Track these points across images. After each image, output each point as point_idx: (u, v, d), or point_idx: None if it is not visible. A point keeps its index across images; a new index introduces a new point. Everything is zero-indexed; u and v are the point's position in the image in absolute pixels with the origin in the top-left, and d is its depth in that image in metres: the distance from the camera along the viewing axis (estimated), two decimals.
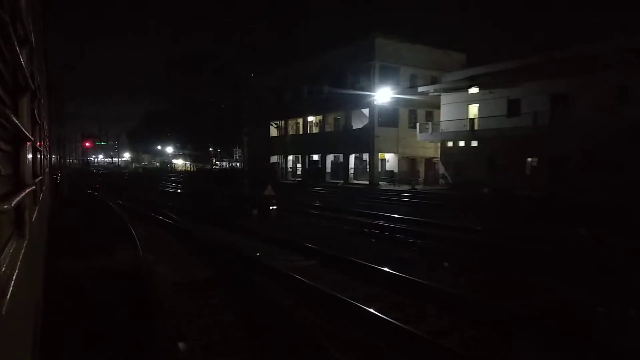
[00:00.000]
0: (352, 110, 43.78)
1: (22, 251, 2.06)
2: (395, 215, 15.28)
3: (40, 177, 4.95)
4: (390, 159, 43.25)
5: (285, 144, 51.24)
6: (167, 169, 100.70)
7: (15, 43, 1.84)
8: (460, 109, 37.66)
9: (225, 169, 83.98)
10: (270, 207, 15.92)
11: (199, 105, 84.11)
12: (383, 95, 37.53)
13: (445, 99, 39.07)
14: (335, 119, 49.05)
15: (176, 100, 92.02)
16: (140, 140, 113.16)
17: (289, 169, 53.65)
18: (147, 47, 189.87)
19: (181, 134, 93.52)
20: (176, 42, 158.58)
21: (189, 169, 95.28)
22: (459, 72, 38.18)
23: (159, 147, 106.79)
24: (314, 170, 48.04)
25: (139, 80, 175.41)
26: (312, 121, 51.55)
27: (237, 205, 19.25)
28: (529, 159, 32.67)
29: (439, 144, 40.98)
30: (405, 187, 34.65)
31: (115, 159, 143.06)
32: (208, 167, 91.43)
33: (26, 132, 2.42)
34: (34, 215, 3.28)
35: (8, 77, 2.11)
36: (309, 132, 50.94)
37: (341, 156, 45.91)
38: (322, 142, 47.22)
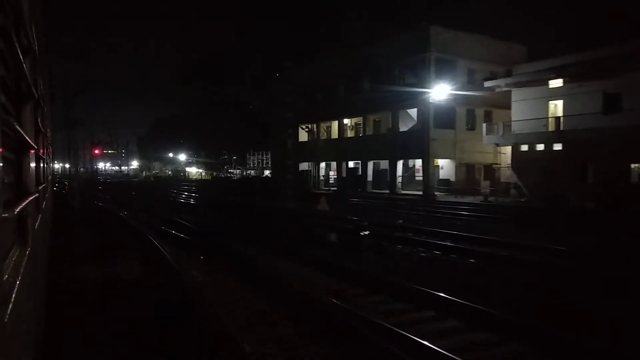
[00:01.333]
0: (399, 111, 43.98)
1: (25, 259, 2.43)
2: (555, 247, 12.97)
3: (43, 185, 5.49)
4: (444, 166, 43.09)
5: (317, 150, 51.52)
6: (180, 177, 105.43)
7: (19, 51, 2.23)
8: (538, 106, 36.78)
9: (248, 177, 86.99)
10: (362, 233, 13.61)
11: (215, 109, 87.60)
12: (440, 91, 37.25)
13: (517, 95, 38.37)
14: (374, 121, 49.18)
15: (191, 105, 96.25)
16: (151, 147, 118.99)
17: (321, 177, 54.32)
18: (158, 51, 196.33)
19: (195, 140, 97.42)
20: (189, 45, 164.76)
21: (203, 177, 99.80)
22: (538, 62, 37.27)
23: (171, 155, 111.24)
24: (353, 179, 48.01)
25: (148, 85, 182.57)
26: (347, 124, 52.04)
27: (294, 224, 17.46)
28: (634, 165, 31.27)
29: (501, 149, 40.30)
30: (470, 199, 34.24)
31: (124, 167, 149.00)
32: (223, 175, 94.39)
33: (29, 140, 2.83)
34: (37, 223, 3.72)
35: (11, 85, 2.51)
36: (345, 136, 51.66)
37: (382, 163, 45.94)
38: (361, 147, 47.37)
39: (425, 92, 38.02)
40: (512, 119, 38.56)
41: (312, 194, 37.32)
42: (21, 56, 2.30)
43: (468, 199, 34.24)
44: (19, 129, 2.35)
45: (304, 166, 55.47)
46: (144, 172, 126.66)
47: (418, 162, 44.99)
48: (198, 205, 31.37)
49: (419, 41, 40.00)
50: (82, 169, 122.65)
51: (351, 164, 50.16)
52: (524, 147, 37.93)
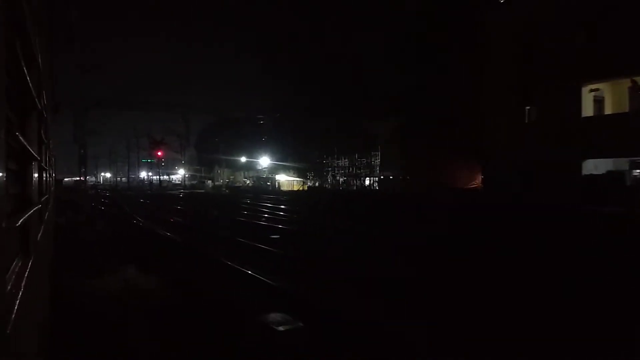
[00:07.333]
0: None
1: (28, 270, 2.40)
2: None
3: (46, 196, 5.49)
4: None
5: None
6: (267, 188, 79.01)
7: (23, 62, 2.22)
8: None
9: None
10: None
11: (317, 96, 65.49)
12: None
13: None
14: None
15: (284, 89, 74.54)
16: (219, 148, 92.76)
17: None
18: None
19: (286, 139, 78.14)
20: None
21: (299, 188, 76.43)
22: None
23: (243, 159, 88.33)
24: None
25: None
26: None
27: None
28: None
29: None
30: None
31: (174, 176, 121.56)
32: (325, 184, 73.64)
33: (32, 152, 2.81)
34: (39, 234, 3.69)
35: (16, 97, 2.49)
36: None
37: None
38: None
39: None
40: None
41: None
42: (25, 67, 2.28)
43: None
44: (23, 140, 2.32)
45: (589, 165, 29.77)
46: (209, 182, 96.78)
47: None
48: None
49: None
50: (121, 179, 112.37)
51: None
52: None
